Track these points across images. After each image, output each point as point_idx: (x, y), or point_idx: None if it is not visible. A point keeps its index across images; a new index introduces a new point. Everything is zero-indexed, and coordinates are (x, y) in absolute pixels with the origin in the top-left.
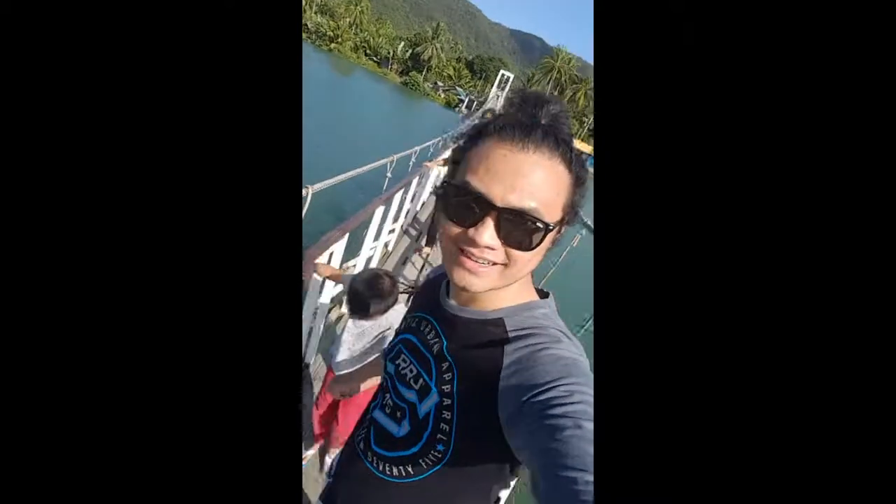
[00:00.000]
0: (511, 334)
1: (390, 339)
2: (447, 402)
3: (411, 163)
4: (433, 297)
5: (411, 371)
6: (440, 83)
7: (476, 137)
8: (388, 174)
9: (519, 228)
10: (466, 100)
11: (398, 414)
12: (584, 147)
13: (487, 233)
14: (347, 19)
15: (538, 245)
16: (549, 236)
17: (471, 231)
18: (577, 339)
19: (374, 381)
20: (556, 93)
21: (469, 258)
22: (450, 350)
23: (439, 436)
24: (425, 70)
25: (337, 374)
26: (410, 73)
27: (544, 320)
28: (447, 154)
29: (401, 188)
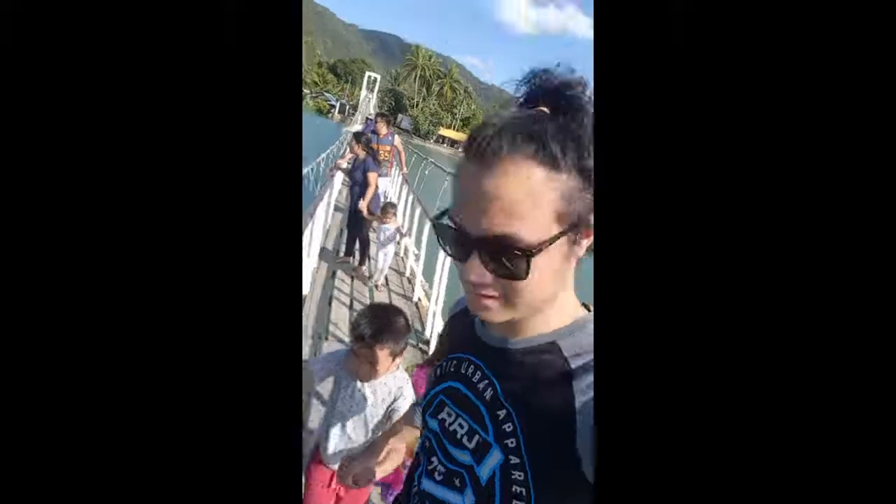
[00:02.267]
0: (573, 363)
1: (401, 410)
2: (515, 459)
3: (311, 179)
4: (467, 332)
5: (461, 426)
6: (306, 91)
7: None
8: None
9: (501, 257)
10: (338, 104)
11: (456, 481)
12: (457, 136)
13: (474, 269)
14: None
15: (527, 272)
16: (556, 253)
17: (460, 267)
18: None
19: (394, 462)
20: (423, 89)
21: (475, 293)
22: (506, 393)
23: (515, 501)
24: None
25: (329, 459)
26: None
27: None
28: (345, 161)
29: (315, 206)
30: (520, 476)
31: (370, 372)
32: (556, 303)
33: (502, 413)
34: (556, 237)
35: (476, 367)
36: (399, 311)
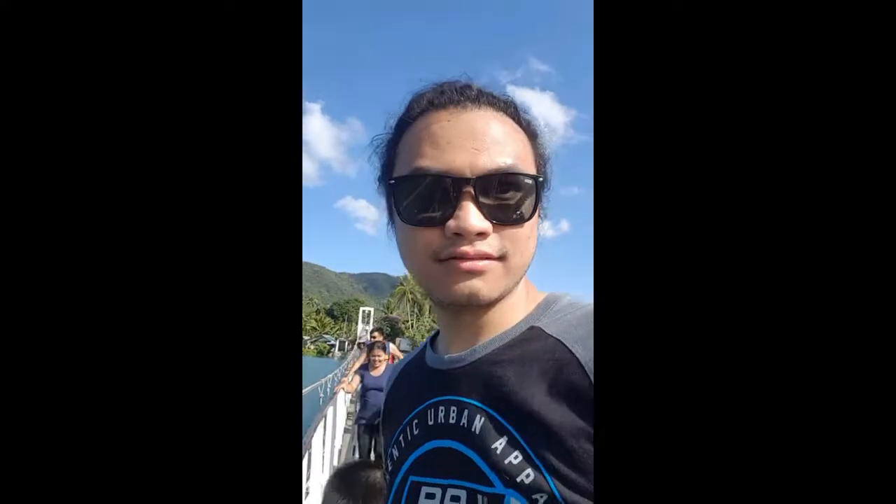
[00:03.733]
0: (568, 343)
1: None
2: (541, 498)
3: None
4: (420, 378)
5: (456, 499)
6: (307, 337)
7: (402, 126)
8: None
9: (505, 197)
10: (337, 343)
11: None
12: None
13: (471, 216)
14: None
15: (535, 210)
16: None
17: (450, 224)
18: None
19: None
20: (415, 310)
21: (461, 259)
22: (498, 410)
23: None
24: None
25: None
26: None
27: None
28: (353, 379)
29: (315, 425)
30: None
31: None
32: (520, 289)
33: (500, 443)
34: (540, 178)
35: (448, 403)
36: (376, 465)
